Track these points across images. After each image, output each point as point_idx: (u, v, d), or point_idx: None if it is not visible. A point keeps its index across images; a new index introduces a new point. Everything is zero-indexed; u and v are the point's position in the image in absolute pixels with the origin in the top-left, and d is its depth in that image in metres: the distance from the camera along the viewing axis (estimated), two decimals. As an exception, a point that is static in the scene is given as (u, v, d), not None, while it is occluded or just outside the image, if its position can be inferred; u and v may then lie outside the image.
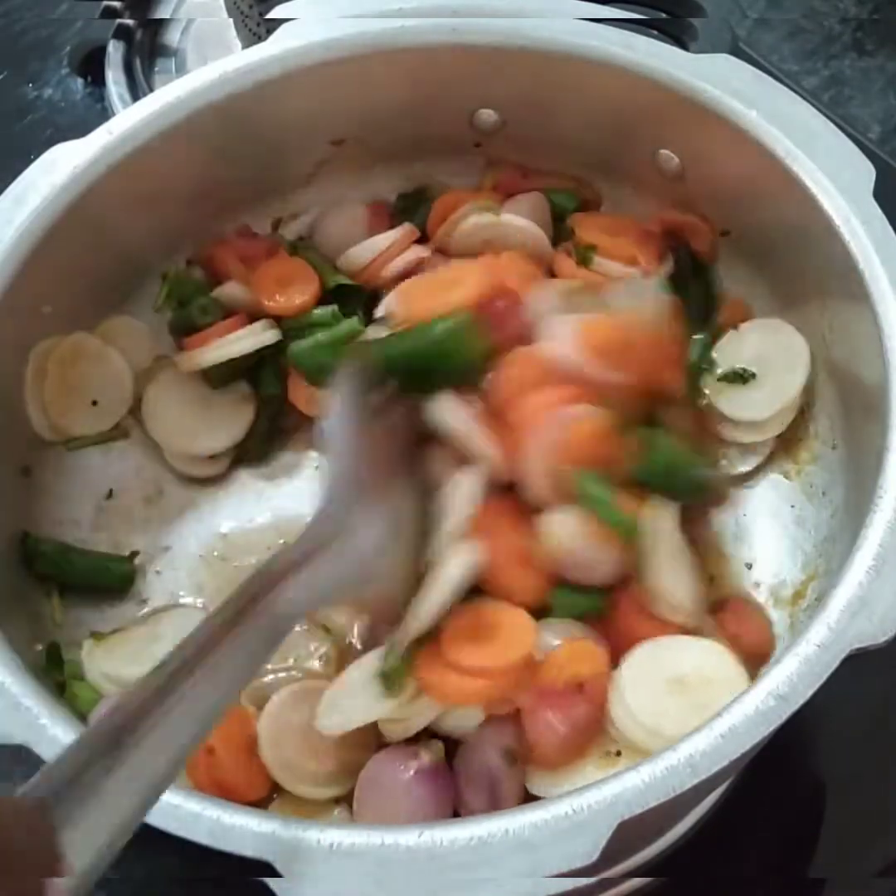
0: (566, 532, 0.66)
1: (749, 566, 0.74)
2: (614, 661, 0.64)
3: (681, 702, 0.60)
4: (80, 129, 0.72)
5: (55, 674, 0.68)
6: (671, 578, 0.66)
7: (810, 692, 0.52)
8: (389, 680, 0.62)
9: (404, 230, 0.81)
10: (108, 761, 0.42)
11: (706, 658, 0.63)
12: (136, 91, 1.05)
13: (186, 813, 0.52)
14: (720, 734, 0.52)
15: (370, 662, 0.64)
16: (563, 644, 0.64)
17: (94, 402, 0.77)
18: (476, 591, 0.65)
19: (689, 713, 0.58)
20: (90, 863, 0.40)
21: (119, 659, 0.69)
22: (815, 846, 0.76)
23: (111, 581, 0.74)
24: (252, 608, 0.51)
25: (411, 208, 0.84)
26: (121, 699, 0.46)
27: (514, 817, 0.50)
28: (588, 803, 0.50)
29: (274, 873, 0.49)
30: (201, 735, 0.47)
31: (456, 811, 0.64)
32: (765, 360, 0.76)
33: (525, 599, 0.66)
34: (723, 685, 0.60)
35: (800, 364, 0.74)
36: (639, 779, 0.51)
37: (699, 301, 0.80)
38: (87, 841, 0.40)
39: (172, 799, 0.52)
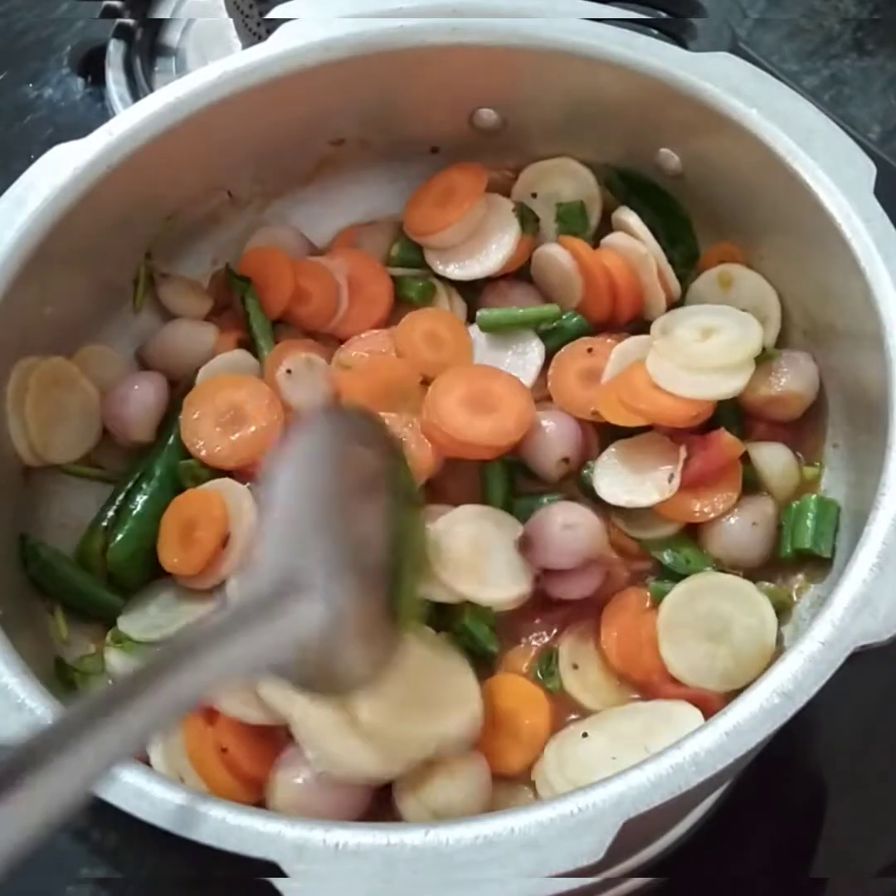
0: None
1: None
2: None
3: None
4: (80, 129, 0.72)
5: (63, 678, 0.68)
6: None
7: (814, 690, 0.53)
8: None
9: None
10: None
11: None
12: (137, 91, 1.05)
13: (191, 814, 0.52)
14: (725, 732, 0.52)
15: None
16: None
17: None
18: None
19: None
20: None
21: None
22: (815, 846, 0.76)
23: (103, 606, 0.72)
24: (145, 688, 0.43)
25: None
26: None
27: (520, 816, 0.50)
28: (593, 802, 0.50)
29: (280, 873, 0.49)
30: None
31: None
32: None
33: None
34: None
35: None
36: (644, 777, 0.51)
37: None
38: None
39: (177, 800, 0.52)
